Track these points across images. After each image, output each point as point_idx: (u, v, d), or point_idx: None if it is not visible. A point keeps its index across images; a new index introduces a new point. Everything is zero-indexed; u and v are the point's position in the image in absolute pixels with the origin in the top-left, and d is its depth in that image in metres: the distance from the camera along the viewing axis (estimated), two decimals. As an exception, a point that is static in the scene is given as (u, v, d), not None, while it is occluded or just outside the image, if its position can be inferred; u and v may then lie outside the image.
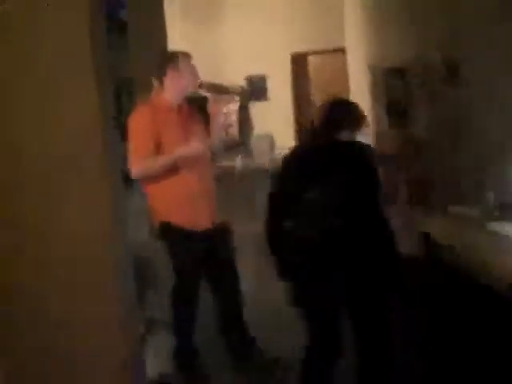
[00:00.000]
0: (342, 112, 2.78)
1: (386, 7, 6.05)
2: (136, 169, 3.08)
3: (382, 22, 6.19)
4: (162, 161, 3.09)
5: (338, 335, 2.72)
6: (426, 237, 3.54)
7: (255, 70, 10.83)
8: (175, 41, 6.91)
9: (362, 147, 2.71)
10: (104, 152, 2.02)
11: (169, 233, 3.23)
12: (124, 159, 3.04)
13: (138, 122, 3.14)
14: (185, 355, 3.40)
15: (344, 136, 2.72)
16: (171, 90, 3.20)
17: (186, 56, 3.25)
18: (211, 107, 3.32)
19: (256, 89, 10.94)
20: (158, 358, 3.44)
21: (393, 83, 5.71)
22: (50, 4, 1.86)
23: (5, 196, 1.92)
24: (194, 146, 3.07)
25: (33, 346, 1.99)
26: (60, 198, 1.98)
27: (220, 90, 3.34)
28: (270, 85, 10.94)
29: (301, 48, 10.48)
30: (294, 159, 2.83)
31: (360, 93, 7.49)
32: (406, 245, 2.98)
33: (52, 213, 1.98)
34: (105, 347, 2.08)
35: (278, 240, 2.80)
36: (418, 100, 5.07)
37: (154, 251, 4.70)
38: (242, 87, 10.55)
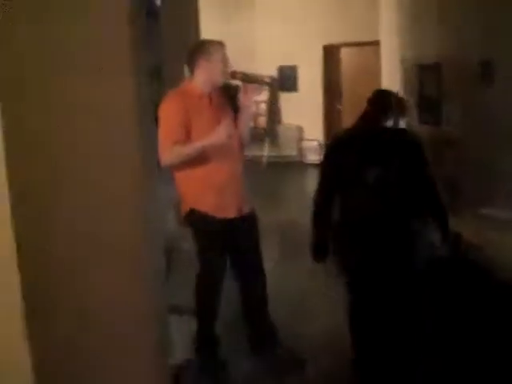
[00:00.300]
0: (388, 101, 3.09)
1: (422, 2, 5.95)
2: (165, 157, 3.08)
3: (418, 17, 6.09)
4: (191, 149, 3.08)
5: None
6: (457, 237, 3.51)
7: (286, 61, 10.78)
8: (207, 29, 6.90)
9: (409, 133, 3.08)
10: (139, 139, 2.03)
11: (196, 220, 3.24)
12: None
13: (169, 109, 3.14)
14: (206, 341, 3.42)
15: (390, 123, 3.02)
16: (202, 78, 3.19)
17: (219, 45, 3.23)
18: (243, 97, 3.30)
19: (286, 79, 10.90)
20: (179, 343, 3.47)
21: (426, 79, 5.63)
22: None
23: (38, 186, 1.94)
24: (220, 131, 3.04)
25: (62, 333, 2.02)
26: (93, 188, 2.00)
27: (252, 79, 3.29)
28: (301, 75, 10.88)
29: (334, 40, 10.38)
30: (343, 144, 3.09)
31: (392, 87, 7.40)
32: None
33: (83, 202, 2.00)
34: (133, 332, 2.11)
35: (323, 219, 3.08)
36: (451, 97, 4.99)
37: (177, 238, 4.75)
38: (272, 77, 10.53)
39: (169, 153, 3.07)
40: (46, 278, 1.97)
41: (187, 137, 3.08)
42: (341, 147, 3.07)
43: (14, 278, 1.87)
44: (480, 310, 3.23)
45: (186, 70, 4.41)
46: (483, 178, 4.24)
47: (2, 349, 1.92)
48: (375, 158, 2.88)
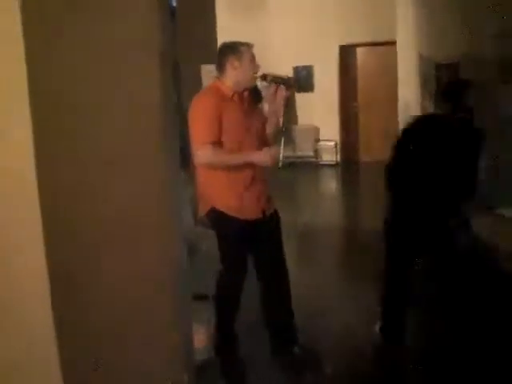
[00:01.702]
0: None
1: (438, 1, 5.91)
2: (202, 154, 3.05)
3: (435, 16, 6.04)
4: (234, 159, 3.09)
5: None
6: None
7: (302, 61, 10.76)
8: (222, 29, 6.89)
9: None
10: (164, 137, 2.03)
11: (217, 219, 3.22)
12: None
13: (204, 107, 3.10)
14: (225, 340, 3.42)
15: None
16: (233, 78, 3.16)
17: (248, 46, 3.21)
18: (273, 99, 3.26)
19: (302, 79, 10.87)
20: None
21: (444, 78, 5.59)
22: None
23: (66, 188, 1.94)
24: (268, 154, 3.09)
25: (90, 332, 2.03)
26: (118, 179, 2.00)
27: (282, 81, 3.26)
28: (317, 76, 10.84)
29: (350, 40, 10.33)
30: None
31: (408, 86, 7.36)
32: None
33: (106, 195, 2.00)
34: (158, 331, 2.11)
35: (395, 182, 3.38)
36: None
37: (195, 238, 4.74)
38: (288, 77, 10.49)
39: (206, 151, 3.05)
40: (72, 279, 1.97)
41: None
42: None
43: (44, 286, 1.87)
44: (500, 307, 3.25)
45: (203, 69, 4.40)
46: (500, 175, 4.21)
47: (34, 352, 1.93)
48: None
